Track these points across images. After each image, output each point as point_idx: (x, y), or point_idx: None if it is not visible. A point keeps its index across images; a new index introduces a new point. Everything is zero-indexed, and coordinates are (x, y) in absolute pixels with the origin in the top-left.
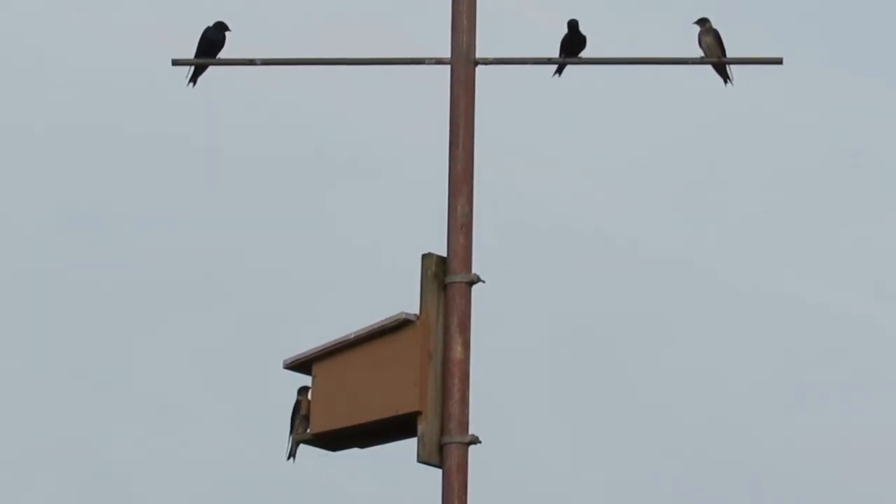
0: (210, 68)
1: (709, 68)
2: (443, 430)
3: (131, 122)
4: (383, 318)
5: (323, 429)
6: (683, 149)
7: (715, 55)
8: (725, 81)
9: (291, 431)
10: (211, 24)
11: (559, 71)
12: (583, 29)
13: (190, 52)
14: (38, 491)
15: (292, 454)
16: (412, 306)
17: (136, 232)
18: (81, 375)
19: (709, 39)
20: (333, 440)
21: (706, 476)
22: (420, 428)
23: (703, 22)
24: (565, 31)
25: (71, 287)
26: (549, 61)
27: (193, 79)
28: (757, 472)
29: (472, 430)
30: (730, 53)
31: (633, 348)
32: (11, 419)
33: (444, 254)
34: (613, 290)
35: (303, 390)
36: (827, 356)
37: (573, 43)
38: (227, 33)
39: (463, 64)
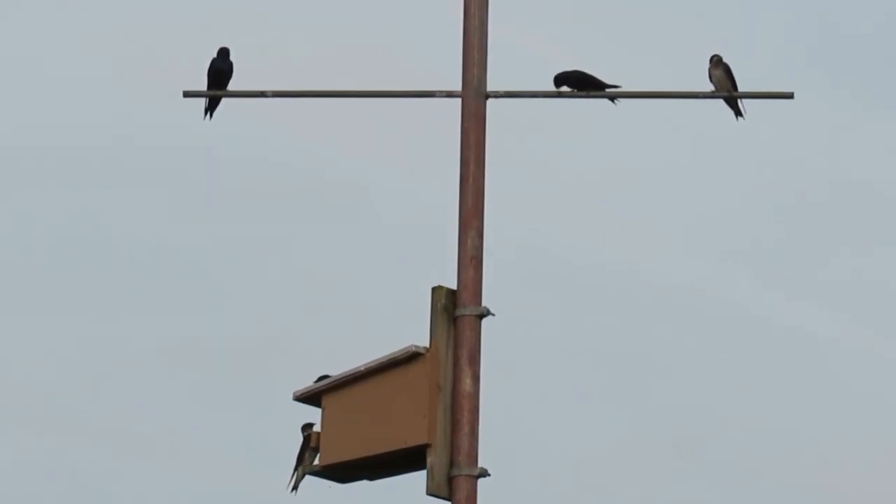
0: (221, 99)
1: (719, 102)
2: (452, 463)
3: (146, 152)
4: (393, 350)
5: (332, 460)
6: (692, 181)
7: (725, 88)
8: (737, 116)
9: (298, 465)
10: (215, 54)
11: (612, 100)
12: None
13: (199, 83)
14: None
15: (295, 486)
16: (422, 339)
17: (147, 260)
18: (86, 403)
19: (718, 73)
20: (343, 472)
21: (721, 500)
22: (429, 460)
23: (713, 58)
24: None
25: (78, 313)
26: (559, 95)
27: (209, 112)
28: (759, 495)
29: (481, 463)
30: (741, 88)
31: (643, 379)
32: (20, 448)
33: (455, 287)
34: (623, 321)
35: (306, 427)
36: (825, 385)
37: (575, 86)
38: (231, 58)
39: (473, 97)
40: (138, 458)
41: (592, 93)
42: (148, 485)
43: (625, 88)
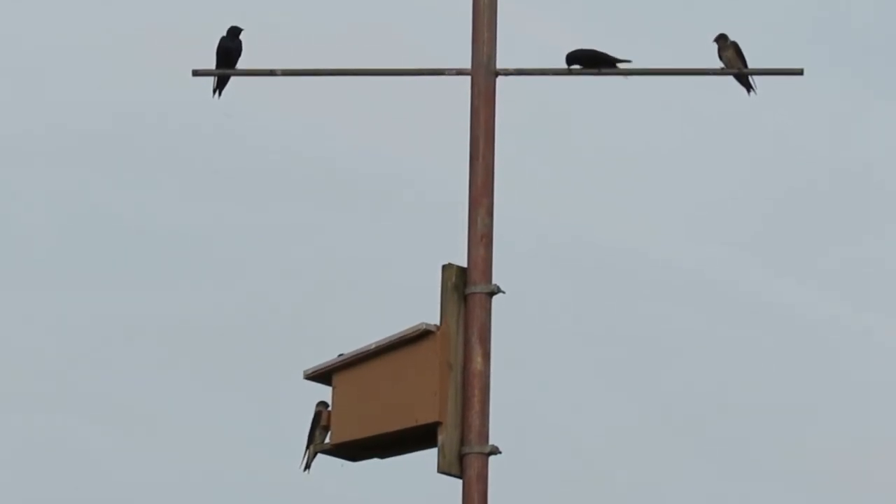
0: (230, 78)
1: (728, 81)
2: (463, 441)
3: (152, 132)
4: (403, 328)
5: (343, 439)
6: (702, 161)
7: (737, 67)
8: (749, 91)
9: (309, 443)
10: (224, 32)
11: (624, 76)
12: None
13: (208, 61)
14: None
15: (308, 465)
16: (432, 317)
17: (155, 240)
18: (94, 384)
19: (729, 53)
20: (354, 450)
21: (718, 489)
22: (440, 438)
23: (721, 38)
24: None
25: (84, 293)
26: (569, 72)
27: (218, 91)
28: (761, 483)
29: (492, 441)
30: (751, 64)
31: (653, 358)
32: (23, 428)
33: (465, 265)
34: (632, 300)
35: (321, 404)
36: (826, 366)
37: (586, 64)
38: (241, 37)
39: (483, 75)
40: (146, 438)
41: (604, 70)
42: (155, 464)
43: (635, 66)
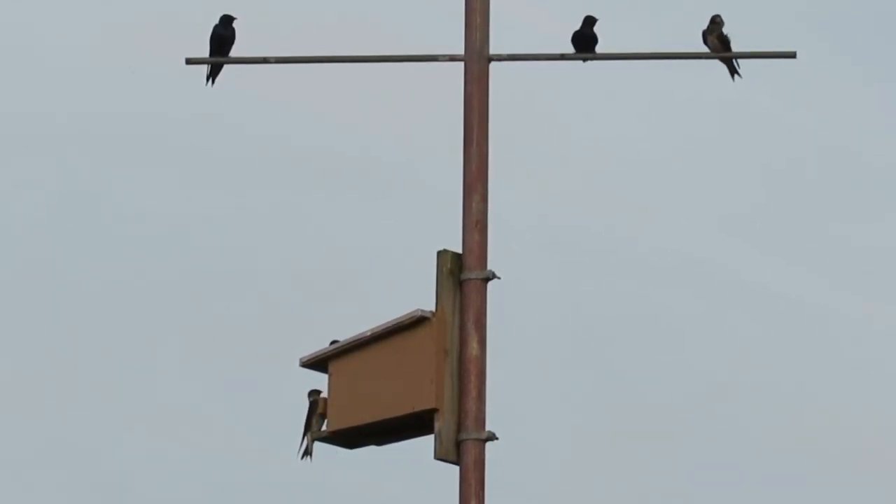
0: (223, 66)
1: (715, 64)
2: (459, 427)
3: (146, 122)
4: (399, 315)
5: (340, 426)
6: (694, 144)
7: (720, 52)
8: (733, 75)
9: (306, 431)
10: (217, 20)
11: (584, 59)
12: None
13: (202, 49)
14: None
15: (308, 453)
16: (428, 303)
17: (150, 229)
18: (91, 375)
19: (713, 40)
20: (350, 438)
21: (715, 472)
22: (437, 425)
23: (713, 20)
24: (577, 25)
25: (81, 285)
26: (562, 57)
27: (211, 78)
28: (758, 466)
29: (488, 427)
30: (743, 47)
31: (649, 342)
32: (22, 421)
33: (460, 251)
34: (625, 287)
35: (313, 393)
36: (821, 353)
37: (583, 39)
38: (235, 25)
39: (476, 60)
40: (142, 427)
41: (599, 55)
42: (151, 455)
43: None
